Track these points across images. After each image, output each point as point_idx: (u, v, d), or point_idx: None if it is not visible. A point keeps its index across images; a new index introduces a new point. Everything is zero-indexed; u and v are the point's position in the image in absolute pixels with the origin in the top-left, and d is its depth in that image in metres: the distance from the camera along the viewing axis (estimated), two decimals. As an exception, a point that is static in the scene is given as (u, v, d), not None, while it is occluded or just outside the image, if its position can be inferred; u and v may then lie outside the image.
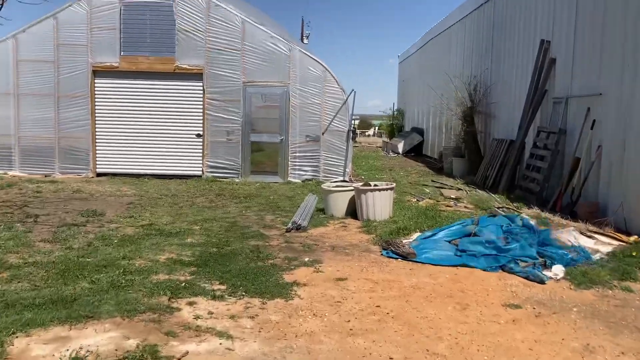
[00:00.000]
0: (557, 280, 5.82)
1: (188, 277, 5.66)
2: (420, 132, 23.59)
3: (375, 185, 8.89)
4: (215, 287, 5.36)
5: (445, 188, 12.54)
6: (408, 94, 28.29)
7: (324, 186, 9.42)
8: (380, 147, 29.96)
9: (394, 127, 30.24)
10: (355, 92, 13.98)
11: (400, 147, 23.14)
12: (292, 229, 8.03)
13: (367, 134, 52.78)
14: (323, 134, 13.82)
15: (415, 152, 23.15)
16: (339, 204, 9.07)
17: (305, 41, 33.37)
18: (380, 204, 8.55)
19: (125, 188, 12.13)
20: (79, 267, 5.88)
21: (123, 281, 5.43)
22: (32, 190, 11.42)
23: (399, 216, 8.76)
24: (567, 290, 5.56)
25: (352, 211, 9.06)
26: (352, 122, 14.11)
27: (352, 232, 8.06)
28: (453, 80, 15.39)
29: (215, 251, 6.74)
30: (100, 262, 6.11)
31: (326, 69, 13.74)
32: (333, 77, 13.77)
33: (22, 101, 13.76)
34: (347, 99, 13.79)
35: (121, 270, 5.77)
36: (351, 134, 14.05)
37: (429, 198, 10.75)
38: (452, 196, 11.06)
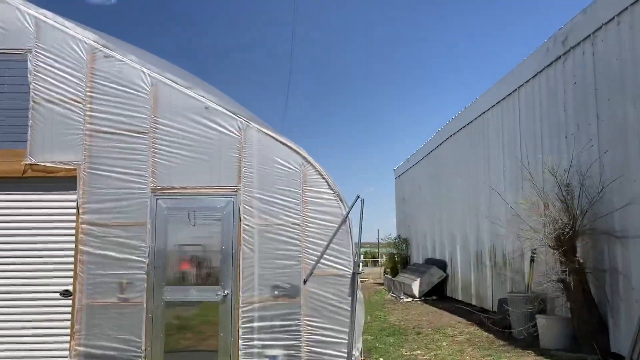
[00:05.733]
0: None
1: None
2: (440, 265, 16.86)
3: None
4: None
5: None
6: (413, 216, 21.97)
7: None
8: (379, 283, 23.13)
9: (396, 260, 23.46)
10: (363, 200, 7.53)
11: (416, 287, 16.25)
12: None
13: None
14: (305, 281, 7.16)
15: (437, 294, 16.30)
16: None
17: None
18: None
19: None
20: None
21: None
22: None
23: None
24: None
25: None
26: (359, 255, 7.52)
27: None
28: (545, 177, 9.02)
29: None
30: None
31: (307, 161, 7.41)
32: (320, 174, 7.40)
33: None
34: (348, 214, 7.30)
35: None
36: (358, 279, 7.39)
37: None
38: None
